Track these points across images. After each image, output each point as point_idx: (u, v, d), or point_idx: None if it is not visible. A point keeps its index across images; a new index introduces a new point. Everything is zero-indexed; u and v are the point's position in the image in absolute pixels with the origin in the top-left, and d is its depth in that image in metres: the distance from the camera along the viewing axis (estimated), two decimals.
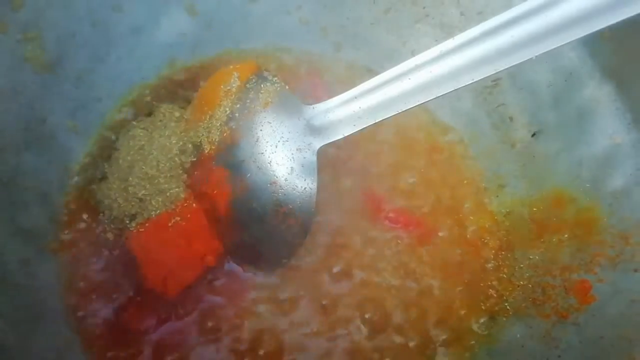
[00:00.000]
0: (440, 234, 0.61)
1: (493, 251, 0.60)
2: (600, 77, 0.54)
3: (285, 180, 0.50)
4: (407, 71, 0.46)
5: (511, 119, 0.62)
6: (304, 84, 0.68)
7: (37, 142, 0.56)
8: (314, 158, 0.51)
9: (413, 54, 0.68)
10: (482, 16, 0.61)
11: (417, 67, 0.45)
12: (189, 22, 0.66)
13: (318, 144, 0.51)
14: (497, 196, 0.63)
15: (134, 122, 0.60)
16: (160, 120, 0.59)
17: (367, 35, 0.70)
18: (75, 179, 0.60)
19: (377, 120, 0.48)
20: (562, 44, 0.40)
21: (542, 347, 0.51)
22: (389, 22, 0.68)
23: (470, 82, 0.43)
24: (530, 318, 0.54)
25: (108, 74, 0.62)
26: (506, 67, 0.42)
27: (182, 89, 0.65)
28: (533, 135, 0.60)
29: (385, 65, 0.67)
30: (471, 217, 0.62)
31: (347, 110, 0.49)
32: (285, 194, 0.50)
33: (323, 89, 0.68)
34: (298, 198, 0.50)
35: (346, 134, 0.49)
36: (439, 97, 0.45)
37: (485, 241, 0.61)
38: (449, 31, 0.65)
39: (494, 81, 0.63)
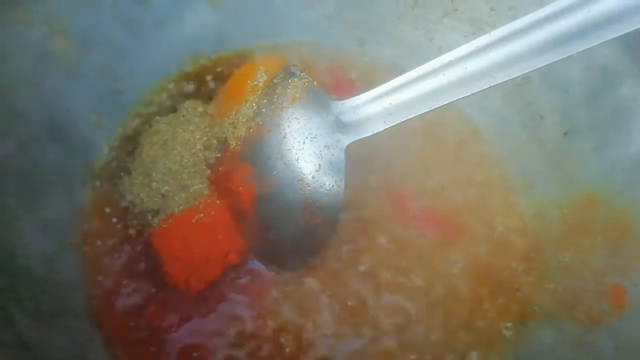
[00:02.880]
0: (466, 234, 0.60)
1: (521, 253, 0.58)
2: (638, 74, 0.52)
3: (313, 177, 0.49)
4: (441, 67, 0.44)
5: (541, 117, 0.61)
6: (326, 80, 0.67)
7: (60, 135, 0.56)
8: (342, 155, 0.50)
9: (440, 50, 0.67)
10: (513, 12, 0.59)
11: (451, 63, 0.44)
12: (212, 16, 0.65)
13: (347, 140, 0.49)
14: (526, 196, 0.61)
15: (158, 117, 0.60)
16: (184, 116, 0.58)
17: (392, 30, 0.68)
18: (98, 173, 0.59)
19: (408, 118, 0.46)
20: (605, 40, 0.39)
21: (574, 353, 0.50)
22: (416, 16, 0.67)
23: (507, 79, 0.42)
24: (561, 322, 0.53)
25: (132, 68, 0.62)
26: (545, 63, 0.41)
27: (206, 83, 0.64)
28: (564, 134, 0.58)
29: (410, 61, 0.66)
30: (499, 218, 0.60)
31: (377, 107, 0.47)
32: (312, 192, 0.49)
33: (346, 85, 0.67)
34: (325, 196, 0.49)
35: (376, 131, 0.48)
36: (472, 94, 0.44)
37: (514, 242, 0.59)
38: (478, 27, 0.63)
39: (524, 79, 0.61)
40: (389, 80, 0.48)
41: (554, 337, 0.52)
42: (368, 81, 0.67)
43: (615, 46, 0.54)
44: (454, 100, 0.44)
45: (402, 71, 0.47)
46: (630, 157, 0.53)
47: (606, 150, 0.55)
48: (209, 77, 0.65)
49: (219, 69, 0.65)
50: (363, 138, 0.49)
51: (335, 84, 0.67)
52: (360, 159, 0.61)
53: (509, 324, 0.55)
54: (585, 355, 0.49)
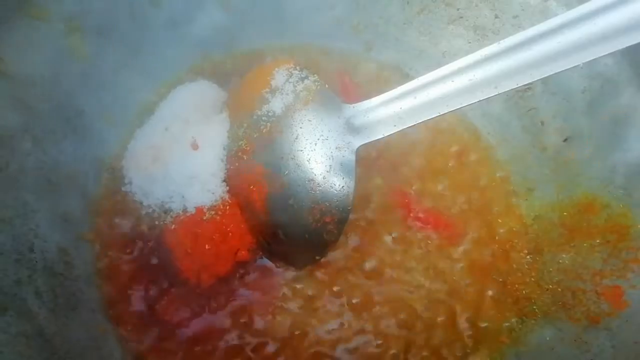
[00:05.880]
0: (469, 235, 0.61)
1: (522, 254, 0.60)
2: (639, 84, 0.54)
3: (324, 178, 0.50)
4: (450, 74, 0.46)
5: (542, 123, 0.62)
6: (333, 82, 0.68)
7: (75, 132, 0.57)
8: (353, 157, 0.51)
9: (444, 55, 0.68)
10: (517, 20, 0.61)
11: (460, 70, 0.46)
12: (223, 18, 0.67)
13: (357, 143, 0.51)
14: (526, 199, 0.63)
15: None
16: None
17: (398, 35, 0.70)
18: (111, 170, 0.60)
19: (418, 122, 0.48)
20: (612, 51, 0.40)
21: (573, 351, 0.52)
22: (422, 22, 0.68)
23: (515, 87, 0.44)
24: (560, 321, 0.54)
25: (144, 67, 0.63)
26: (552, 72, 0.42)
27: (217, 84, 0.65)
28: (565, 140, 0.60)
29: (415, 66, 0.68)
30: (500, 220, 0.62)
31: (388, 111, 0.49)
32: (322, 192, 0.50)
33: (352, 88, 0.68)
34: (335, 196, 0.51)
35: (386, 134, 0.49)
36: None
37: (514, 244, 0.61)
38: (482, 33, 0.65)
39: (527, 86, 0.62)
40: (394, 84, 0.49)
41: (553, 335, 0.54)
42: (374, 84, 0.69)
43: (617, 56, 0.55)
44: (464, 106, 0.46)
45: (407, 75, 0.48)
46: (629, 163, 0.54)
47: (606, 156, 0.56)
48: (219, 78, 0.66)
49: (228, 70, 0.67)
50: (373, 141, 0.51)
51: (342, 86, 0.68)
52: (365, 160, 0.62)
53: (510, 323, 0.57)
54: (584, 354, 0.51)
